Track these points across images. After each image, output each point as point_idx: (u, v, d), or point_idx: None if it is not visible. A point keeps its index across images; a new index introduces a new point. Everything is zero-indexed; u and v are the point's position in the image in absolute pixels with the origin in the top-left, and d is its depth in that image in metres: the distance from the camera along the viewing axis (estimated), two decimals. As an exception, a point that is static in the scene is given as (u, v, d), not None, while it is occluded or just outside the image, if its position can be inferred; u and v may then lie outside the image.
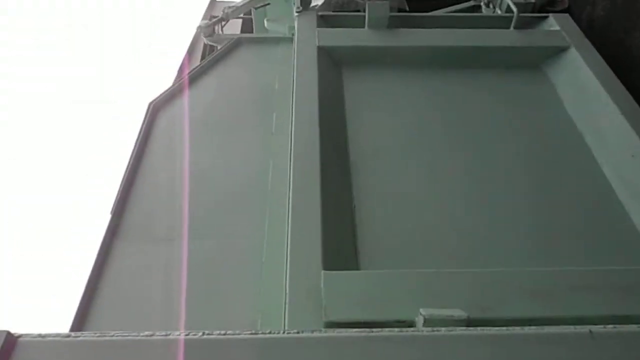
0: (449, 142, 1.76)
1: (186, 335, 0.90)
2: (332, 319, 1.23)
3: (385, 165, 1.68)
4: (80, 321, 1.35)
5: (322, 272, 1.32)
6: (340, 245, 1.45)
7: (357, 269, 1.42)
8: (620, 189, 1.62)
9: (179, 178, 1.72)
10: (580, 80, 1.91)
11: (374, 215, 1.56)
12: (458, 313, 1.16)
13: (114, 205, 1.62)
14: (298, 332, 0.91)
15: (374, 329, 0.92)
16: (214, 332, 0.91)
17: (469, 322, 1.18)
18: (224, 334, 0.91)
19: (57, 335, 0.90)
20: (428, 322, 1.14)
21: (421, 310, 1.20)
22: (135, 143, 1.81)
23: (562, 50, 2.05)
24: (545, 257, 1.46)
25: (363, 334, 0.90)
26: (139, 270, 1.49)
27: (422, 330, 0.91)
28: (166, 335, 0.90)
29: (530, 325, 1.25)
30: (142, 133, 1.85)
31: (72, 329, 1.33)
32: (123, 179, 1.68)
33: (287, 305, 1.28)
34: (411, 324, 1.24)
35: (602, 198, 1.62)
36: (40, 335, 0.89)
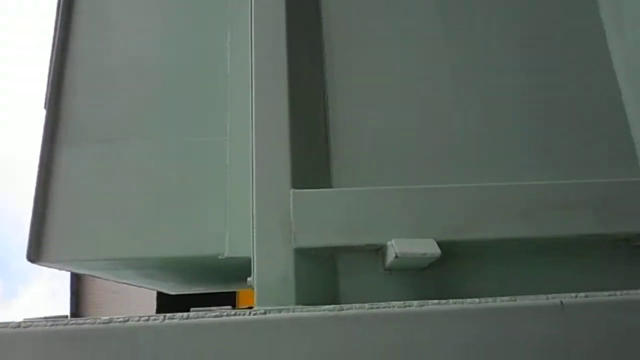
0: (441, 20, 1.47)
1: (145, 320, 0.85)
2: (301, 245, 1.20)
3: (365, 51, 1.43)
4: (37, 248, 1.27)
5: (291, 191, 1.23)
6: (311, 155, 1.32)
7: (329, 183, 1.33)
8: (624, 83, 1.45)
9: (119, 61, 1.45)
10: None
11: (349, 115, 1.38)
12: (431, 250, 1.12)
13: (46, 98, 1.39)
14: (265, 313, 0.87)
15: (345, 306, 0.88)
16: (176, 316, 0.86)
17: (442, 248, 1.17)
18: (186, 318, 0.86)
19: (5, 325, 0.83)
20: (399, 259, 1.12)
21: (393, 241, 1.16)
22: (57, 12, 1.46)
23: None
24: (533, 167, 1.36)
25: (332, 313, 0.87)
26: (88, 180, 1.35)
27: (394, 306, 0.88)
28: (124, 321, 0.85)
29: (501, 246, 1.28)
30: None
31: (29, 257, 1.26)
32: (51, 62, 1.40)
33: (254, 230, 1.22)
34: (382, 248, 1.22)
35: (603, 95, 1.45)
36: (-14, 327, 0.83)
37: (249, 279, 1.27)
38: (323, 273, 1.25)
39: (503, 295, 1.22)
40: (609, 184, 1.29)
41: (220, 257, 1.32)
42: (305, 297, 1.19)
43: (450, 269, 1.24)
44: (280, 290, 1.18)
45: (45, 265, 1.32)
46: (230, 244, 1.32)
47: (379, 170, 1.33)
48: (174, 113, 1.43)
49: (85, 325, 0.84)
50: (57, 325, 0.84)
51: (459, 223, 1.23)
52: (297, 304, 1.17)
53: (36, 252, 1.29)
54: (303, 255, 1.21)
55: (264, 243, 1.21)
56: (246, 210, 1.30)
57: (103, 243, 1.32)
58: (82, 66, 1.43)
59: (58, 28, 1.42)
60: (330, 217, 1.22)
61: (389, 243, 1.19)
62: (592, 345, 0.86)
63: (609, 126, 1.42)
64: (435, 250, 1.12)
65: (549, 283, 1.28)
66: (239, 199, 1.35)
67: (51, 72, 1.40)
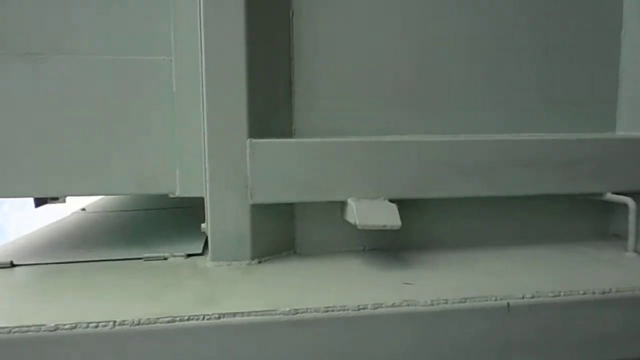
0: None
1: (95, 327, 0.82)
2: (258, 202, 1.14)
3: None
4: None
5: (248, 141, 1.12)
6: (271, 94, 1.17)
7: (290, 126, 1.20)
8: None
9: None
10: None
11: (316, 43, 1.19)
12: (391, 222, 1.09)
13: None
14: (219, 317, 0.85)
15: (299, 309, 0.87)
16: (126, 322, 0.83)
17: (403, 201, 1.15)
18: (138, 324, 0.84)
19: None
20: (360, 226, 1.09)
21: (354, 209, 1.12)
22: None
23: None
24: (505, 118, 1.28)
25: (286, 317, 0.87)
26: (11, 103, 1.16)
27: (348, 310, 0.89)
28: (72, 328, 0.82)
29: (461, 204, 1.27)
30: None
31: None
32: None
33: (207, 184, 1.14)
34: (342, 203, 1.19)
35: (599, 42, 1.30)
36: None
37: (202, 225, 1.23)
38: (280, 224, 1.23)
39: (462, 243, 1.28)
40: (576, 142, 1.25)
41: (171, 195, 1.24)
42: (262, 249, 1.19)
43: (410, 218, 1.23)
44: (235, 246, 1.16)
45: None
46: (182, 183, 1.24)
47: (346, 113, 1.22)
48: (107, 25, 1.18)
49: (29, 334, 0.81)
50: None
51: (421, 181, 1.19)
52: (253, 258, 1.17)
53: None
54: (259, 209, 1.16)
55: (217, 199, 1.14)
56: (198, 144, 1.19)
57: (42, 180, 1.19)
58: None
59: None
60: (289, 172, 1.14)
61: (349, 201, 1.15)
62: (535, 346, 0.93)
63: (596, 78, 1.32)
64: (396, 223, 1.09)
65: (508, 233, 1.33)
66: (189, 131, 1.22)
67: None
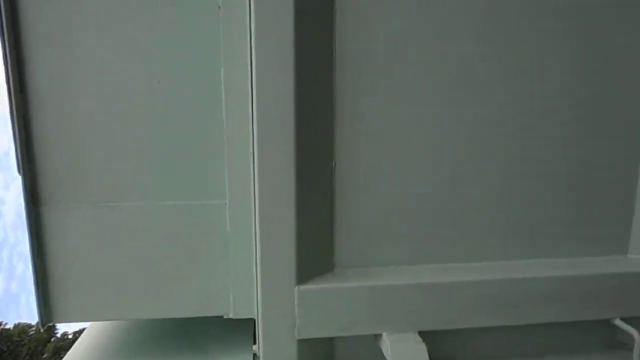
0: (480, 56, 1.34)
1: None
2: (304, 337, 1.31)
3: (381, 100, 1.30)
4: (46, 315, 1.31)
5: (296, 288, 1.27)
6: (314, 233, 1.31)
7: (332, 263, 1.34)
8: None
9: (94, 107, 1.22)
10: None
11: (357, 183, 1.32)
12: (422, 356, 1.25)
13: (17, 160, 1.21)
14: None
15: None
16: None
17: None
18: None
19: None
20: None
21: (384, 335, 1.29)
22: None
23: None
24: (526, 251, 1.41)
25: None
26: (83, 244, 1.30)
27: None
28: None
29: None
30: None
31: (41, 322, 1.30)
32: (13, 118, 1.17)
33: (260, 323, 1.30)
34: (378, 338, 1.34)
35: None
36: None
37: (254, 346, 1.40)
38: (323, 352, 1.39)
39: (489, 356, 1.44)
40: (593, 277, 1.38)
41: (225, 317, 1.40)
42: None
43: (442, 338, 1.38)
44: (284, 374, 1.33)
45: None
46: (235, 305, 1.39)
47: (383, 249, 1.36)
48: (169, 173, 1.30)
49: None
50: None
51: (451, 316, 1.34)
52: (300, 383, 1.34)
53: (46, 318, 1.33)
54: (305, 342, 1.32)
55: (269, 335, 1.30)
56: (248, 272, 1.35)
57: (108, 306, 1.35)
58: (49, 114, 1.21)
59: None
60: (332, 312, 1.30)
61: (384, 336, 1.31)
62: None
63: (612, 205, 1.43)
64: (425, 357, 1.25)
65: (527, 348, 1.48)
66: (241, 262, 1.36)
67: (15, 126, 1.19)
